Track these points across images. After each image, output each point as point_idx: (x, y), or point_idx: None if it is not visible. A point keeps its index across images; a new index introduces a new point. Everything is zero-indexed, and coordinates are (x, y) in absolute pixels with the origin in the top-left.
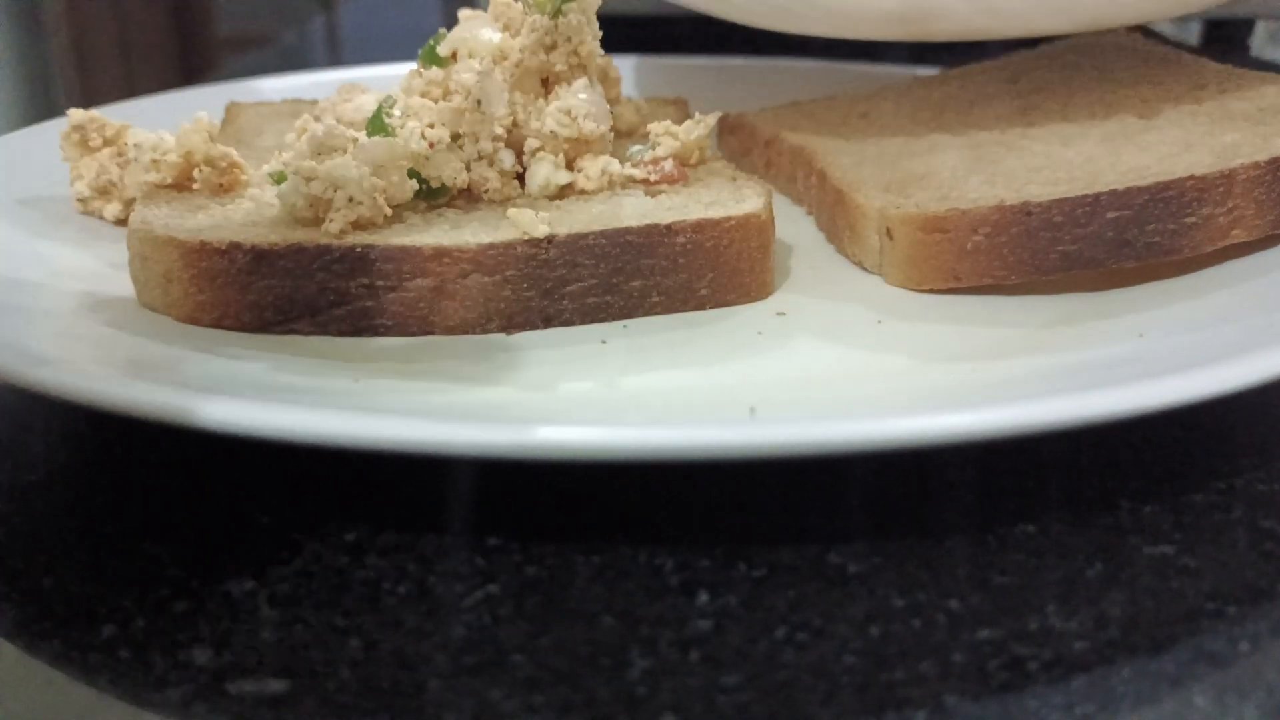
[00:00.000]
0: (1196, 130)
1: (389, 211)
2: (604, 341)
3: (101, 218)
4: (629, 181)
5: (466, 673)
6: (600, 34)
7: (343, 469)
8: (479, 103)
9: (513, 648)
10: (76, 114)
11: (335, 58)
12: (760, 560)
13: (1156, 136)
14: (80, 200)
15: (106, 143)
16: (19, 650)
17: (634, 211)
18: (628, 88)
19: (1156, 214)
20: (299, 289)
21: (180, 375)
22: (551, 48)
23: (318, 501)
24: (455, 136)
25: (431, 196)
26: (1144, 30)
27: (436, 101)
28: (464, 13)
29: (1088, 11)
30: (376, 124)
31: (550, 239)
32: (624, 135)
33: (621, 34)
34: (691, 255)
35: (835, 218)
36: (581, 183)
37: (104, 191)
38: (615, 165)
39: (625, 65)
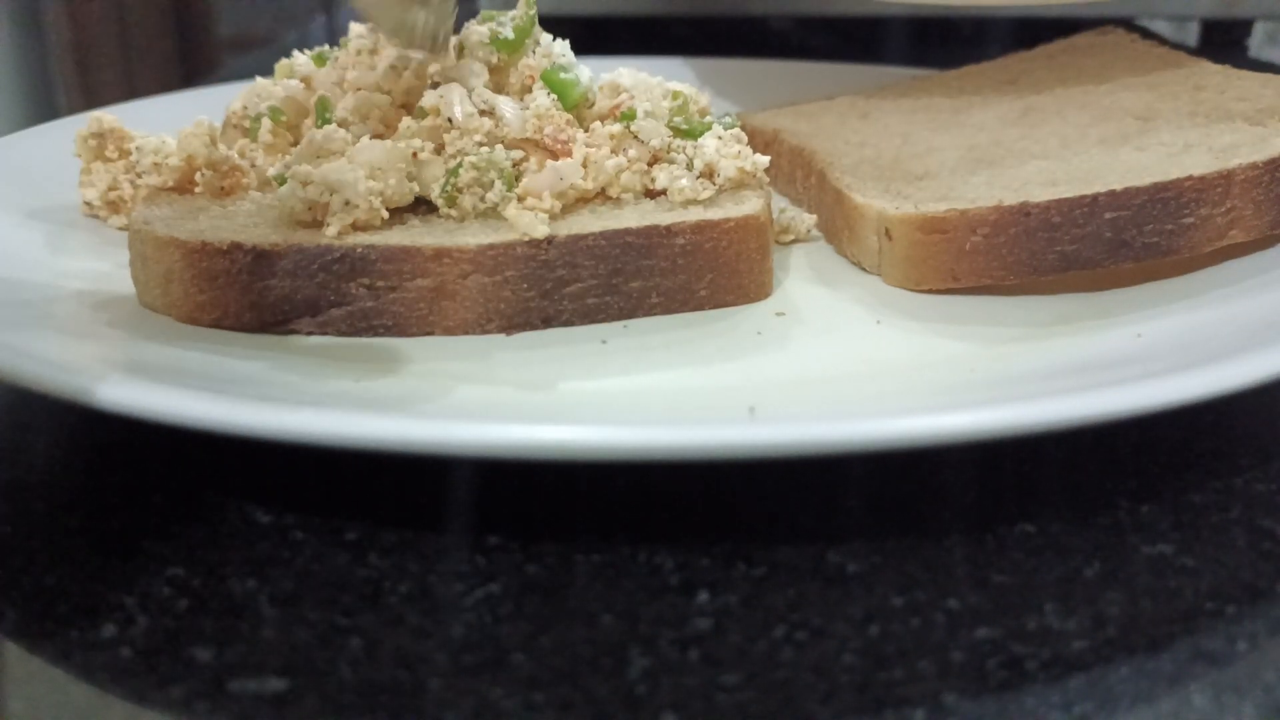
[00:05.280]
0: (1195, 131)
1: (386, 215)
2: (604, 341)
3: (105, 221)
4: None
5: (467, 671)
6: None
7: (343, 469)
8: (450, 120)
9: (513, 646)
10: (100, 120)
11: None
12: (760, 559)
13: (1155, 137)
14: (86, 203)
15: (122, 154)
16: (21, 649)
17: (633, 212)
18: None
19: (1154, 214)
20: (299, 289)
21: (180, 375)
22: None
23: (318, 501)
24: (440, 149)
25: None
26: (1142, 30)
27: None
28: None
29: None
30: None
31: (550, 240)
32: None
33: (622, 34)
34: (691, 256)
35: (835, 218)
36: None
37: (113, 205)
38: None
39: (626, 66)
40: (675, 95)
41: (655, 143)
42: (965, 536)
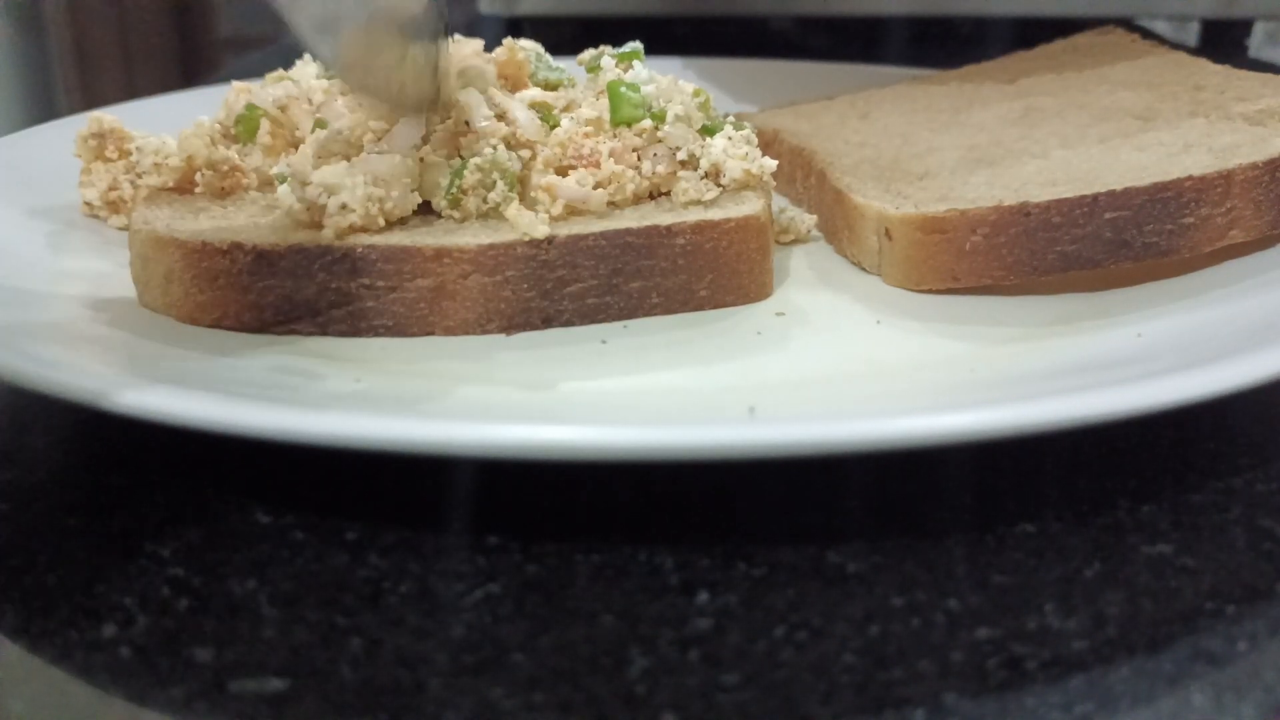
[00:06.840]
0: (1194, 131)
1: (383, 221)
2: (604, 341)
3: (105, 222)
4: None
5: (467, 671)
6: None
7: (343, 469)
8: (467, 123)
9: (513, 646)
10: (100, 120)
11: None
12: (760, 559)
13: (1154, 137)
14: (86, 204)
15: (122, 154)
16: (21, 649)
17: (633, 212)
18: None
19: (1154, 214)
20: (300, 289)
21: (180, 375)
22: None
23: (318, 501)
24: (451, 153)
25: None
26: (1143, 30)
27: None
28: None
29: None
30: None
31: (550, 240)
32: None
33: (622, 34)
34: (691, 256)
35: (834, 218)
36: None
37: (113, 205)
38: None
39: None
40: (698, 93)
41: (682, 151)
42: (965, 537)
